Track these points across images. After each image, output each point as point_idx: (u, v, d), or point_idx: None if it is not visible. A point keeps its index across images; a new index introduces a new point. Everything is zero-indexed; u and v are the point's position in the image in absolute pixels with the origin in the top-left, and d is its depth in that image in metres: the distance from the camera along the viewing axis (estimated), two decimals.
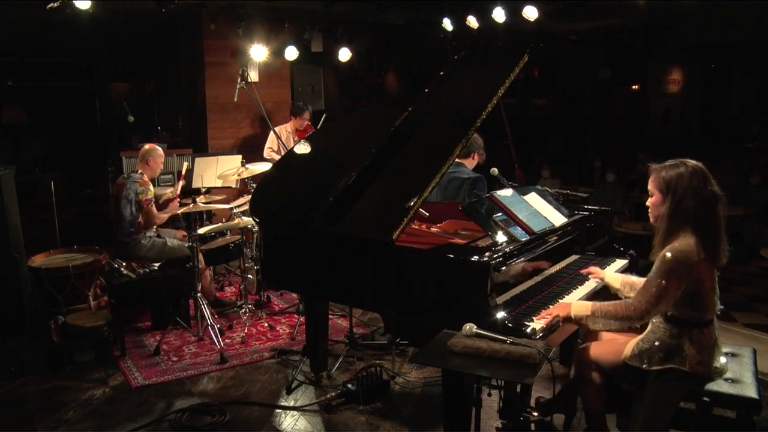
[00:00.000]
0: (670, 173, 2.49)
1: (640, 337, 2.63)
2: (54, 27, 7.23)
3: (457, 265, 2.66)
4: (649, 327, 2.62)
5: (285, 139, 6.27)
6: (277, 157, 6.19)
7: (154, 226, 4.77)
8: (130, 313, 4.74)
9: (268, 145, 6.42)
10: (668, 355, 2.51)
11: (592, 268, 3.09)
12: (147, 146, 4.81)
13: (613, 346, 2.71)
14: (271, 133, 6.26)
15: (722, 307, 2.58)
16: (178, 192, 5.14)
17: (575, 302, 2.60)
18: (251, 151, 6.47)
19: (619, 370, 2.65)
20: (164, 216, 4.81)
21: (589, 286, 3.01)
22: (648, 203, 2.61)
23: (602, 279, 2.99)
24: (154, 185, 4.93)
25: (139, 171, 4.70)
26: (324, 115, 6.44)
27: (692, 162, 2.51)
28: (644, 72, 11.43)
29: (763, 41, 8.92)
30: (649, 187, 2.58)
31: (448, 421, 2.45)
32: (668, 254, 2.41)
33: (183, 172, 5.30)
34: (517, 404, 2.80)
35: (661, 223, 2.52)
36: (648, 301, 2.43)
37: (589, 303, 2.56)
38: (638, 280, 2.81)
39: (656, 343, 2.54)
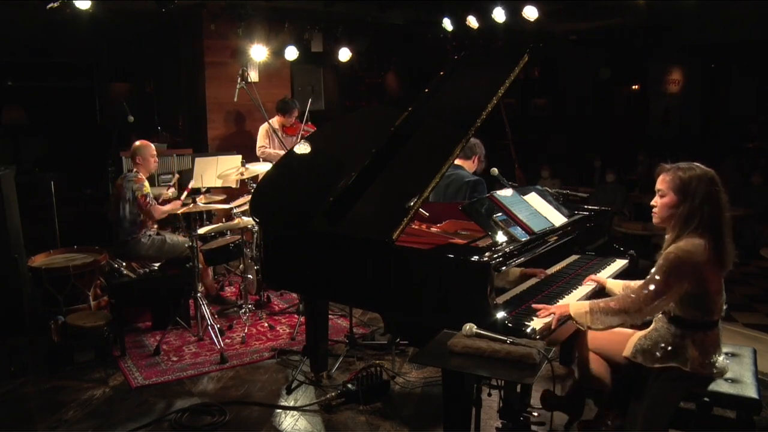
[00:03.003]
0: (689, 175, 2.45)
1: (643, 333, 2.63)
2: (54, 27, 7.24)
3: (457, 265, 2.66)
4: (653, 325, 2.62)
5: (272, 135, 6.12)
6: (272, 152, 6.10)
7: (155, 226, 4.76)
8: (130, 313, 4.74)
9: (259, 144, 6.20)
10: (670, 355, 2.50)
11: (591, 276, 3.06)
12: (137, 143, 4.77)
13: (613, 332, 2.70)
14: (261, 130, 6.18)
15: (725, 307, 2.57)
16: (182, 198, 5.02)
17: (573, 302, 2.60)
18: (251, 151, 6.44)
19: (617, 359, 2.66)
20: (165, 209, 4.70)
21: (590, 285, 3.01)
22: (655, 202, 2.57)
23: (603, 284, 2.96)
24: (153, 184, 4.92)
25: (134, 170, 4.69)
26: (306, 112, 6.23)
27: (703, 166, 2.49)
28: (644, 72, 11.42)
29: (763, 41, 8.92)
30: (662, 186, 2.53)
31: (448, 421, 2.45)
32: (672, 253, 2.41)
33: (189, 187, 4.97)
34: (517, 404, 2.80)
35: (675, 225, 2.48)
36: (647, 296, 2.42)
37: (587, 302, 2.55)
38: (638, 284, 2.81)
39: (659, 342, 2.54)
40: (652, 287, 2.42)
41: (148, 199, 4.57)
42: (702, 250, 2.40)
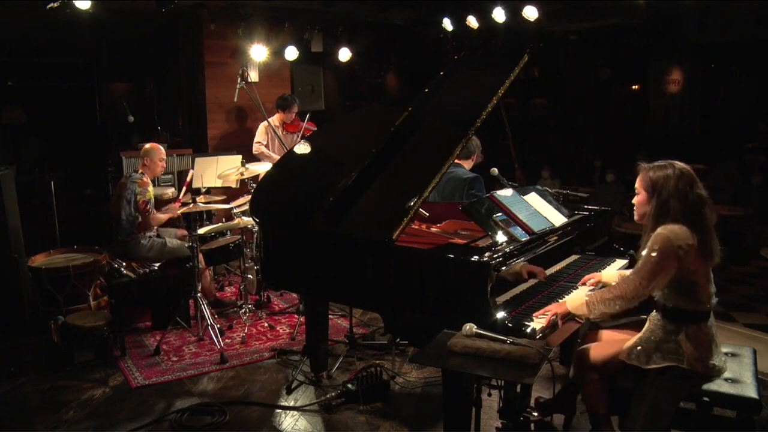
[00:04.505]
0: (658, 174, 2.55)
1: (638, 335, 2.64)
2: (54, 27, 7.23)
3: (457, 265, 2.66)
4: (647, 325, 2.63)
5: (272, 134, 6.11)
6: (266, 152, 6.11)
7: (154, 227, 4.77)
8: (130, 313, 4.74)
9: (256, 139, 6.18)
10: (666, 353, 2.52)
11: (587, 277, 3.06)
12: (147, 145, 4.78)
13: (612, 346, 2.71)
14: (261, 126, 6.19)
15: (716, 299, 2.58)
16: (181, 198, 5.07)
17: (569, 298, 2.61)
18: (251, 151, 6.43)
19: (618, 370, 2.66)
20: (163, 217, 4.77)
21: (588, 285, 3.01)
22: (634, 201, 2.67)
23: (599, 281, 2.97)
24: (154, 185, 4.92)
25: (140, 171, 4.68)
26: (308, 115, 6.21)
27: (680, 164, 2.56)
28: (644, 72, 11.42)
29: (763, 41, 8.92)
30: (637, 185, 2.65)
31: (448, 421, 2.45)
32: (662, 234, 2.45)
33: (189, 179, 5.15)
34: (517, 404, 2.80)
35: (647, 222, 2.57)
36: (642, 276, 2.45)
37: (583, 294, 2.58)
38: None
39: (654, 341, 2.55)
40: (647, 267, 2.45)
41: (148, 206, 4.57)
42: (688, 234, 2.44)
